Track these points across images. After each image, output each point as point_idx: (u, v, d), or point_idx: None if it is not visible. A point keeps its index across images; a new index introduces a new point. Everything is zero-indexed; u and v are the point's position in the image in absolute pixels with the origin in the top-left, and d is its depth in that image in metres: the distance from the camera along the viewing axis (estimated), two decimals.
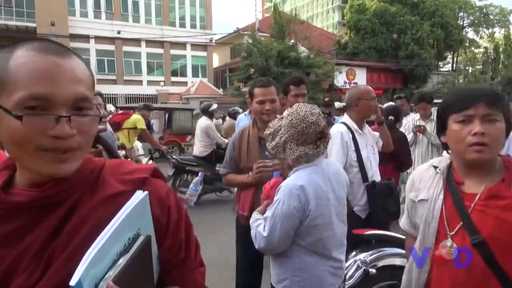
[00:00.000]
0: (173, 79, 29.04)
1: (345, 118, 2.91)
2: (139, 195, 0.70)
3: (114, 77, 26.84)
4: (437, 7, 31.14)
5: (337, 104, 6.71)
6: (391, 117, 4.07)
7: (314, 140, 1.74)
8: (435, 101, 5.10)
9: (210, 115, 6.73)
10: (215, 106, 6.95)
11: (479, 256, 1.18)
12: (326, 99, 6.45)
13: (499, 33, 42.19)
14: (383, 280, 2.37)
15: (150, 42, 27.76)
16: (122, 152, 5.44)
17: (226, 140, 6.23)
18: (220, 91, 27.27)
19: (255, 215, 1.90)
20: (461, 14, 38.29)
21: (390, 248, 2.40)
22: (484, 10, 39.44)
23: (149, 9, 28.49)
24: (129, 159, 5.19)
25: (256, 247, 1.80)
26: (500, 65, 38.93)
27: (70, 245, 0.68)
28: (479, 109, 1.20)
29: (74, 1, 25.67)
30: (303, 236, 1.71)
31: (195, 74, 29.46)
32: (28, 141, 0.65)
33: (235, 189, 2.71)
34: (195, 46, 29.67)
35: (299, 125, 1.72)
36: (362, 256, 2.35)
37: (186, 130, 12.63)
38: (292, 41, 21.36)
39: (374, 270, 2.30)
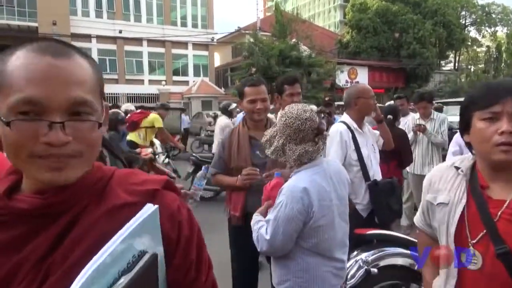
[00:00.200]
0: (175, 78, 29.07)
1: (345, 117, 2.91)
2: (149, 208, 0.65)
3: (115, 77, 26.87)
4: (439, 6, 31.06)
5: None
6: (389, 116, 4.08)
7: (312, 137, 1.74)
8: (439, 101, 5.11)
9: (230, 114, 6.78)
10: (234, 105, 6.99)
11: (503, 267, 1.09)
12: (327, 99, 6.46)
13: (501, 31, 42.11)
14: (385, 280, 2.37)
15: (151, 42, 27.80)
16: (149, 150, 5.54)
17: None
18: (222, 90, 27.29)
19: (256, 216, 1.87)
20: (463, 13, 38.21)
21: (392, 247, 2.39)
22: (487, 9, 39.35)
23: (150, 9, 28.52)
24: (148, 153, 5.28)
25: (259, 250, 1.78)
26: (503, 64, 38.76)
27: (70, 258, 0.64)
28: (507, 105, 1.09)
29: (76, 1, 25.72)
30: (306, 238, 1.70)
31: (196, 74, 29.48)
32: (20, 148, 0.62)
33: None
34: (196, 45, 29.69)
35: (294, 123, 1.71)
36: (363, 255, 2.34)
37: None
38: (294, 40, 21.35)
39: (375, 270, 2.29)
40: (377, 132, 3.09)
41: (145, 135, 5.91)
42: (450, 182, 1.26)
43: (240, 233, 2.32)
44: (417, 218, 1.45)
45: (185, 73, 29.89)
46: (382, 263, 2.34)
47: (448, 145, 3.89)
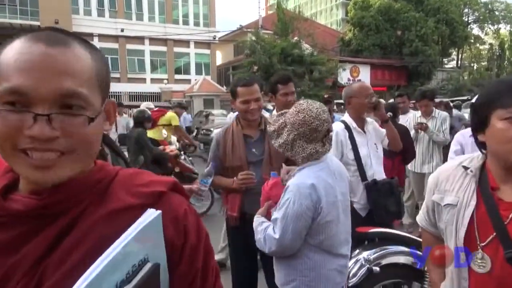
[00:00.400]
0: (177, 77, 29.07)
1: (345, 116, 2.93)
2: (151, 214, 0.61)
3: (117, 75, 26.89)
4: (442, 4, 30.93)
5: None
6: (389, 114, 4.10)
7: (321, 137, 1.74)
8: (445, 100, 5.11)
9: None
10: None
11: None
12: (326, 96, 6.47)
13: (504, 29, 41.88)
14: (387, 279, 2.37)
15: (153, 40, 27.80)
16: (173, 146, 5.72)
17: None
18: (224, 88, 27.26)
19: (258, 218, 1.85)
20: (466, 10, 38.01)
21: (394, 246, 2.39)
22: (490, 6, 39.13)
23: (152, 7, 28.52)
24: (172, 150, 5.43)
25: (267, 251, 1.74)
26: (506, 62, 38.62)
27: (66, 264, 0.60)
28: None
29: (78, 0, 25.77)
30: (313, 235, 1.70)
31: (198, 72, 29.48)
32: (5, 141, 0.58)
33: None
34: (198, 43, 29.67)
35: (313, 123, 1.69)
36: (365, 254, 2.34)
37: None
38: (296, 38, 21.33)
39: (377, 268, 2.28)
40: (385, 131, 3.03)
41: (168, 133, 6.13)
42: (458, 182, 1.21)
43: (238, 233, 2.32)
44: (420, 218, 1.42)
45: (187, 72, 29.89)
46: (384, 261, 2.33)
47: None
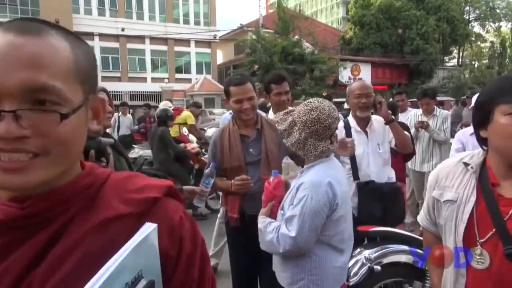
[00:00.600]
0: (177, 76, 29.06)
1: (350, 115, 2.95)
2: (147, 229, 0.56)
3: (118, 74, 26.91)
4: (443, 1, 30.81)
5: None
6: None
7: (330, 135, 1.76)
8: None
9: (266, 111, 6.96)
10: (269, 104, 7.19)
11: (511, 268, 1.06)
12: (324, 94, 6.47)
13: (505, 27, 41.71)
14: (388, 277, 2.36)
15: (154, 39, 27.79)
16: (194, 144, 5.93)
17: None
18: None
19: (264, 219, 1.82)
20: (467, 8, 37.86)
21: (395, 245, 2.39)
22: (491, 4, 38.97)
23: (153, 6, 28.50)
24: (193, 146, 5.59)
25: (281, 251, 1.70)
26: (507, 60, 38.50)
27: (54, 276, 0.54)
28: None
29: None
30: (324, 231, 1.72)
31: (199, 71, 29.46)
32: None
33: None
34: (199, 42, 29.65)
35: (326, 121, 1.71)
36: (366, 253, 2.33)
37: None
38: (296, 37, 21.31)
39: (379, 267, 2.28)
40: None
41: (188, 131, 6.33)
42: (458, 178, 1.22)
43: (238, 233, 2.31)
44: (421, 217, 1.42)
45: (187, 71, 29.88)
46: (385, 260, 2.33)
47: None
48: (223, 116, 3.97)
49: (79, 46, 0.60)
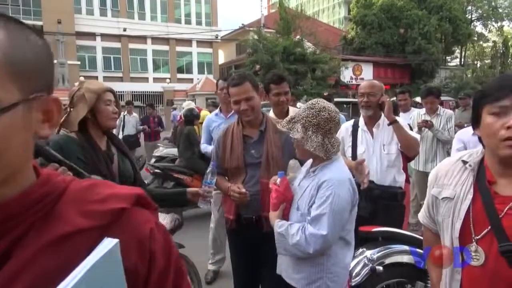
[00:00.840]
0: (179, 76, 29.09)
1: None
2: (107, 245, 0.49)
3: (120, 74, 26.97)
4: (445, 1, 30.74)
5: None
6: None
7: (337, 130, 1.85)
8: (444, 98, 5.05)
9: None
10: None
11: (506, 264, 1.07)
12: (325, 94, 6.47)
13: (508, 26, 41.63)
14: (390, 278, 2.35)
15: (155, 39, 27.82)
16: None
17: None
18: None
19: (282, 222, 1.78)
20: (469, 7, 37.77)
21: (397, 245, 2.38)
22: (493, 3, 38.85)
23: (154, 6, 28.54)
24: None
25: (311, 251, 1.67)
26: (510, 59, 38.37)
27: None
28: None
29: None
30: (345, 226, 1.77)
31: (200, 71, 29.49)
32: None
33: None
34: (200, 42, 29.67)
35: (336, 117, 1.77)
36: (368, 253, 2.32)
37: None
38: (298, 37, 21.28)
39: (381, 268, 2.27)
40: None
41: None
42: (456, 176, 1.24)
43: (237, 234, 2.31)
44: (422, 215, 1.43)
45: (189, 71, 29.91)
46: (388, 261, 2.32)
47: None
48: (207, 116, 3.94)
49: (22, 37, 0.52)
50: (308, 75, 20.26)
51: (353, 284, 2.24)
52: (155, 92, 26.18)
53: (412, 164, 4.49)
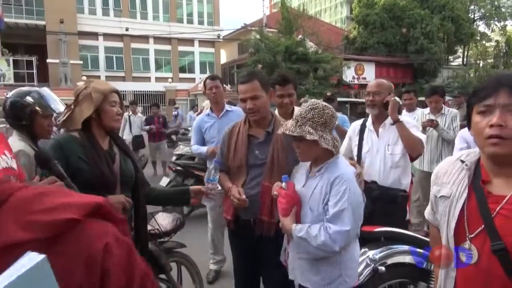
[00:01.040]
0: (181, 75, 29.10)
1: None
2: (31, 259, 0.42)
3: (122, 74, 27.00)
4: (447, 1, 30.61)
5: None
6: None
7: None
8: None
9: None
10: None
11: (498, 263, 1.08)
12: (328, 94, 6.46)
13: (511, 26, 41.44)
14: (393, 278, 2.35)
15: (158, 39, 27.84)
16: None
17: None
18: (228, 87, 27.25)
19: (298, 226, 1.75)
20: (472, 7, 37.60)
21: (399, 245, 2.37)
22: (496, 3, 38.65)
23: (156, 6, 28.56)
24: None
25: (337, 249, 1.67)
26: None
27: None
28: (500, 97, 1.08)
29: None
30: None
31: (203, 71, 29.48)
32: None
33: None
34: (202, 42, 29.68)
35: (335, 112, 1.84)
36: (371, 253, 2.32)
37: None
38: (300, 36, 21.25)
39: (383, 268, 2.27)
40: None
41: None
42: (454, 175, 1.26)
43: (236, 235, 2.32)
44: (427, 212, 1.46)
45: (191, 70, 29.92)
46: (390, 261, 2.31)
47: None
48: (198, 117, 3.96)
49: None
50: (310, 74, 20.23)
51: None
52: (158, 91, 26.20)
53: (416, 164, 4.43)
